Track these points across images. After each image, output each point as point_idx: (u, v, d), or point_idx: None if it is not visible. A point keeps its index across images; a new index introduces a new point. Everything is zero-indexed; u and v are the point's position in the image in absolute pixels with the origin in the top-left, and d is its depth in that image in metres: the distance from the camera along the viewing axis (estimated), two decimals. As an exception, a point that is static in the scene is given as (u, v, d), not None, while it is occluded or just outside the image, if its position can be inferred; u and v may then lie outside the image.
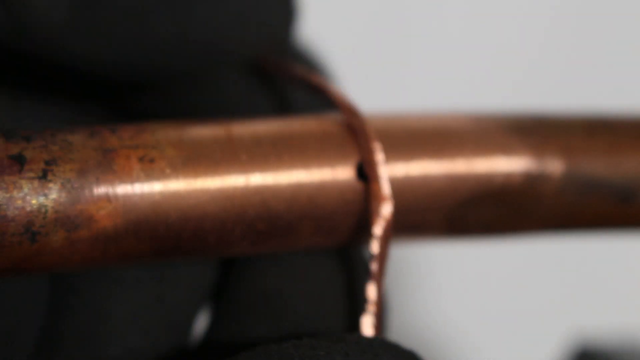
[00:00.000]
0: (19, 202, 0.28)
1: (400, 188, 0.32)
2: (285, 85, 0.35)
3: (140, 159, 0.29)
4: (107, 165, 0.29)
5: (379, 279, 0.32)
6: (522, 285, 0.65)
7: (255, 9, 0.31)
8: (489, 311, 0.64)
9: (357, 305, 0.33)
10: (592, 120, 0.36)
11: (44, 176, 0.28)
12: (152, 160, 0.29)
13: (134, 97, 0.33)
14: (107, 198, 0.29)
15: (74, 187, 0.28)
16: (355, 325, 0.32)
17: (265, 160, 0.31)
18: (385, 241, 0.31)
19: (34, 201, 0.28)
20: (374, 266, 0.31)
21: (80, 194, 0.28)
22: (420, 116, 0.33)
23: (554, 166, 0.34)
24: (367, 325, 0.31)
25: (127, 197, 0.29)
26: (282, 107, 0.34)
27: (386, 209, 0.31)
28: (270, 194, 0.31)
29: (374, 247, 0.31)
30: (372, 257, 0.31)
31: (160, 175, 0.29)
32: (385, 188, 0.31)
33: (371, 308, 0.31)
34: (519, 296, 0.66)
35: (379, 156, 0.31)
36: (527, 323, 0.65)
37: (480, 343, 0.63)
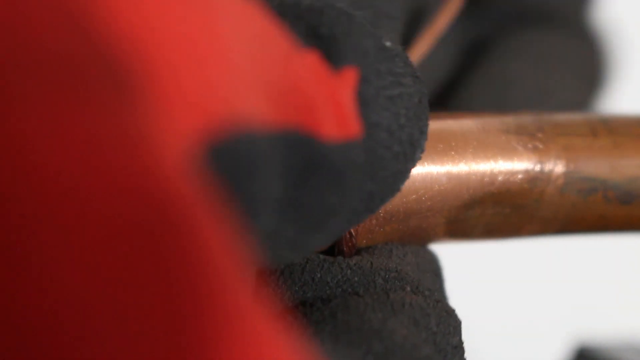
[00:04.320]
0: None
1: (402, 190, 0.32)
2: None
3: None
4: None
5: None
6: (522, 287, 0.65)
7: None
8: (489, 312, 0.64)
9: None
10: (594, 122, 0.35)
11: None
12: None
13: None
14: None
15: None
16: None
17: None
18: None
19: None
20: None
21: None
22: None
23: (556, 167, 0.34)
24: None
25: None
26: None
27: None
28: None
29: None
30: None
31: None
32: None
33: None
34: (520, 298, 0.66)
35: None
36: (528, 324, 0.65)
37: (481, 344, 0.63)
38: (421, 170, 0.32)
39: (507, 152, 0.33)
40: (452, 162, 0.33)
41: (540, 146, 0.34)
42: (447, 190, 0.33)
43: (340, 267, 0.30)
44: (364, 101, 0.26)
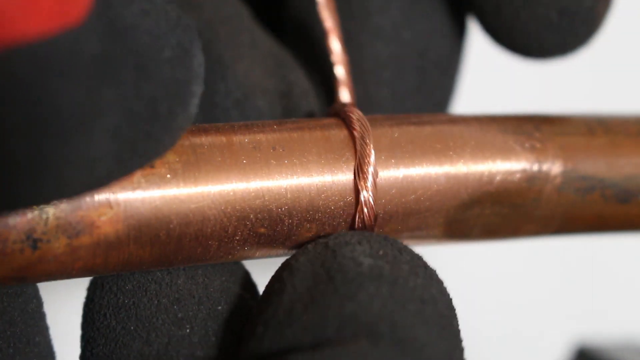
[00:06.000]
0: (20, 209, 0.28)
1: (401, 190, 0.32)
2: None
3: None
4: None
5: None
6: (522, 287, 0.65)
7: None
8: (489, 313, 0.64)
9: None
10: (591, 120, 0.36)
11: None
12: (152, 166, 0.29)
13: None
14: (109, 204, 0.29)
15: None
16: None
17: (265, 164, 0.31)
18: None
19: (34, 208, 0.28)
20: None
21: (81, 200, 0.28)
22: (420, 118, 0.33)
23: (553, 166, 0.34)
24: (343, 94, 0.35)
25: (128, 203, 0.29)
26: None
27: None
28: (271, 198, 0.31)
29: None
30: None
31: (161, 181, 0.29)
32: (370, 199, 0.31)
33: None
34: (520, 298, 0.66)
35: (369, 166, 0.31)
36: (528, 324, 0.65)
37: (481, 344, 0.63)
38: (420, 170, 0.32)
39: (505, 151, 0.33)
40: (451, 163, 0.33)
41: (538, 145, 0.34)
42: (445, 190, 0.33)
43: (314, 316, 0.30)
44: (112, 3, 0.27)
